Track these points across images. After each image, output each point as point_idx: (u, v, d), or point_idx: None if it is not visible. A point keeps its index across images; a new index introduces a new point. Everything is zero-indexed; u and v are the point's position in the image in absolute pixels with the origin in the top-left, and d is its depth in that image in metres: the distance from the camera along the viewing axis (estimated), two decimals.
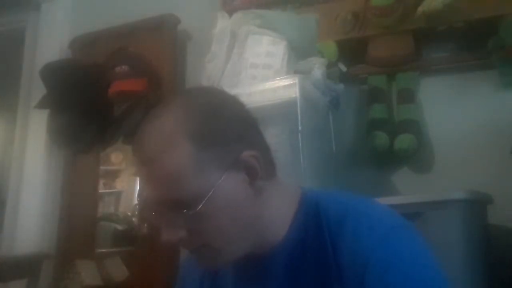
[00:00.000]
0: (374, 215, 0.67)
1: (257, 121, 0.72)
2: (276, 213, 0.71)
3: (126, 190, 2.27)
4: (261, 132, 0.72)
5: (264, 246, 0.70)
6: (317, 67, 1.49)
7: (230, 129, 0.65)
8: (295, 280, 0.68)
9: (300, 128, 1.34)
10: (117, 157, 2.24)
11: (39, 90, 2.17)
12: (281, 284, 0.69)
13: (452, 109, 1.66)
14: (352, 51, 1.79)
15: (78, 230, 2.10)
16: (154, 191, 0.65)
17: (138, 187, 2.16)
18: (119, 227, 2.16)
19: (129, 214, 2.21)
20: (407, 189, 1.64)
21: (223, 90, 0.74)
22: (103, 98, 2.00)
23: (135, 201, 2.19)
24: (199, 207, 0.62)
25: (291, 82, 1.38)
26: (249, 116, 0.71)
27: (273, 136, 1.41)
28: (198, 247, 0.68)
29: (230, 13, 1.66)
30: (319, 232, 0.68)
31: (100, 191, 2.17)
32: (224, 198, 0.64)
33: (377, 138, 1.62)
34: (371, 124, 1.68)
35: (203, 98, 0.69)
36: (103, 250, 2.07)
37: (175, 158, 0.62)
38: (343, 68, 1.75)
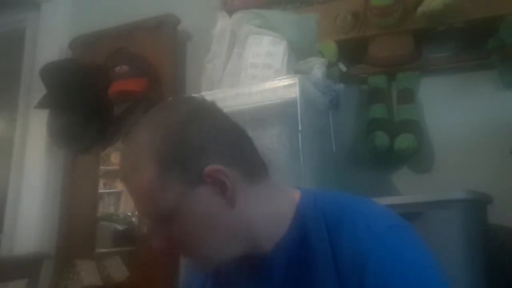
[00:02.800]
0: (372, 215, 0.68)
1: (235, 129, 0.72)
2: (270, 215, 0.71)
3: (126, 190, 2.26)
4: (241, 139, 0.72)
5: (262, 247, 0.71)
6: (317, 67, 1.49)
7: (192, 146, 0.66)
8: (295, 280, 0.69)
9: (300, 128, 1.33)
10: (117, 157, 2.24)
11: (39, 90, 2.17)
12: (281, 285, 0.70)
13: (452, 109, 1.66)
14: (352, 51, 1.79)
15: (78, 230, 2.10)
16: (134, 204, 0.70)
17: None
18: (119, 227, 2.16)
19: (129, 214, 2.21)
20: (407, 189, 1.64)
21: (198, 100, 0.74)
22: (103, 98, 2.00)
23: None
24: (170, 222, 0.66)
25: (291, 82, 1.37)
26: (223, 126, 0.71)
27: (273, 136, 1.41)
28: (182, 255, 0.73)
29: (230, 13, 1.66)
30: (318, 233, 0.68)
31: (100, 191, 2.17)
32: (194, 212, 0.66)
33: (377, 138, 1.62)
34: (371, 124, 1.68)
35: (170, 115, 0.71)
36: (103, 250, 2.07)
37: (142, 178, 0.66)
38: (343, 68, 1.75)
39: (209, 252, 0.69)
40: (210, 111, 0.72)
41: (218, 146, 0.68)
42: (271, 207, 0.71)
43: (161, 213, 0.66)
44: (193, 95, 0.79)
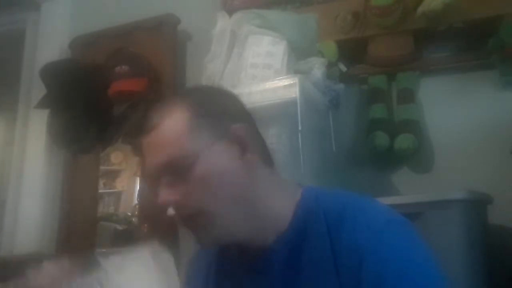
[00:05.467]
0: (371, 211, 0.69)
1: (254, 119, 0.78)
2: (276, 202, 0.73)
3: (126, 190, 2.27)
4: (258, 128, 0.78)
5: (264, 237, 0.72)
6: (317, 67, 1.49)
7: (225, 105, 0.74)
8: (294, 275, 0.69)
9: (300, 128, 1.33)
10: (117, 157, 2.24)
11: (39, 90, 2.17)
12: (280, 278, 0.70)
13: (452, 109, 1.66)
14: (352, 51, 1.79)
15: (78, 230, 2.10)
16: (155, 154, 0.71)
17: (138, 187, 2.16)
18: (119, 227, 2.16)
19: (129, 214, 2.21)
20: (407, 189, 1.64)
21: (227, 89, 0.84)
22: (103, 98, 2.00)
23: (135, 201, 2.19)
24: (189, 171, 0.68)
25: (291, 82, 1.37)
26: (247, 111, 0.78)
27: (273, 136, 1.41)
28: (194, 214, 0.69)
29: (230, 13, 1.66)
30: (318, 229, 0.69)
31: (100, 191, 2.17)
32: (214, 164, 0.69)
33: (377, 138, 1.62)
34: (371, 124, 1.68)
35: (205, 85, 0.90)
36: (103, 250, 2.07)
37: (174, 122, 0.70)
38: (343, 68, 1.75)
39: (217, 211, 0.69)
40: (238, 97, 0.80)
41: (246, 117, 0.75)
42: (277, 195, 0.73)
43: (184, 159, 0.68)
44: None
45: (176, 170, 0.69)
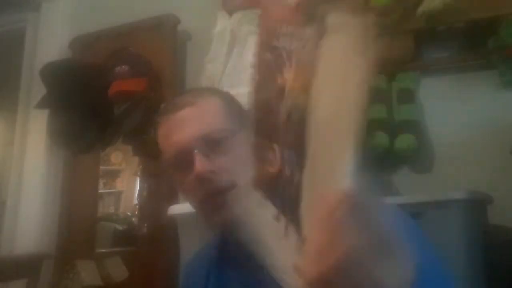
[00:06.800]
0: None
1: None
2: None
3: (126, 190, 2.27)
4: None
5: None
6: None
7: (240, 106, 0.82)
8: None
9: None
10: (117, 157, 2.24)
11: (39, 90, 2.17)
12: None
13: (452, 109, 1.66)
14: None
15: (78, 230, 2.10)
16: (193, 126, 0.76)
17: (138, 187, 2.16)
18: (119, 227, 2.16)
19: (129, 214, 2.21)
20: (407, 189, 1.64)
21: None
22: (103, 98, 2.00)
23: (135, 201, 2.19)
24: (223, 146, 0.74)
25: None
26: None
27: None
28: (224, 188, 0.72)
29: (230, 13, 1.66)
30: None
31: (100, 191, 2.17)
32: (247, 144, 0.70)
33: (377, 138, 1.62)
34: (371, 124, 1.68)
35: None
36: (103, 250, 2.07)
37: (211, 100, 0.79)
38: None
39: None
40: None
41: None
42: None
43: (223, 131, 0.75)
44: None
45: (213, 142, 0.74)
